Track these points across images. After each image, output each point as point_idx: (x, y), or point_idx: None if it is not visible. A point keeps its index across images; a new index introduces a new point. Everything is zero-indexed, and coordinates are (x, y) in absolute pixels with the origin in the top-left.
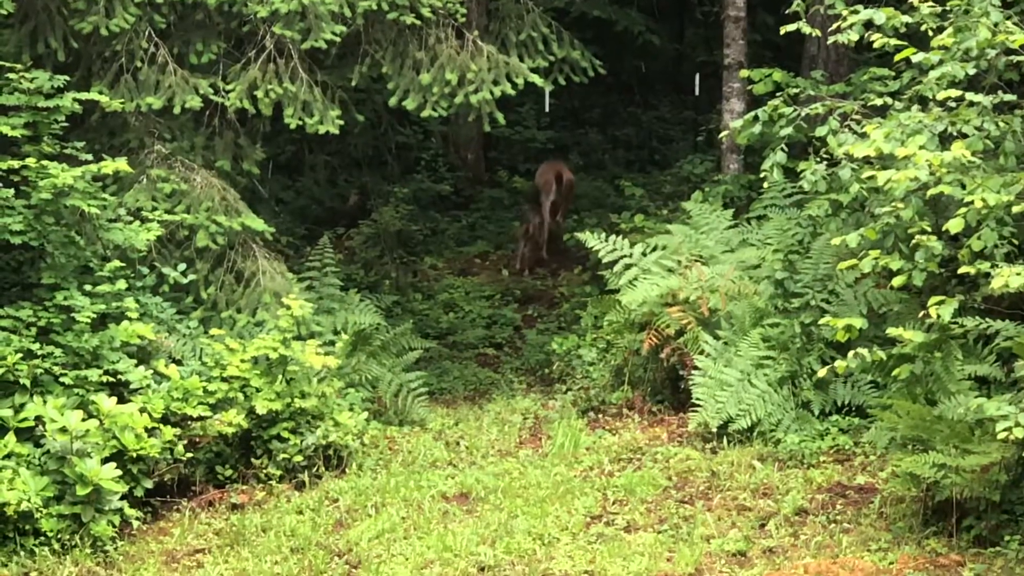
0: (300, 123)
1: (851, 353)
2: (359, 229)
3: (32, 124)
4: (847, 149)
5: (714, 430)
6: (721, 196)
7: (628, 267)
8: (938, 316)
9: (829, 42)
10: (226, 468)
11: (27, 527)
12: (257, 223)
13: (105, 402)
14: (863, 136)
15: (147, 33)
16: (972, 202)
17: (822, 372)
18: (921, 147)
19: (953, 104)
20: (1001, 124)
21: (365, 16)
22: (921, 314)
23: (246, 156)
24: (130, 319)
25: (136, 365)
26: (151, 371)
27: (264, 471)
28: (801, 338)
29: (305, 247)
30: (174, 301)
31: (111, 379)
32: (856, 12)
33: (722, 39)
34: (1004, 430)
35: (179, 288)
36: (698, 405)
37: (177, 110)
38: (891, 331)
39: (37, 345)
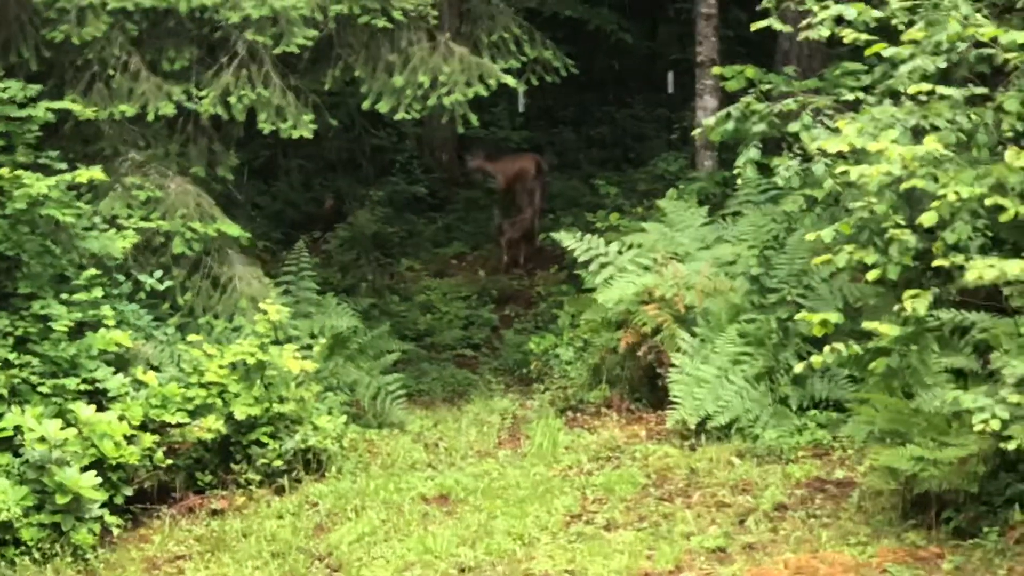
0: (274, 128)
1: (827, 348)
2: (335, 232)
3: (5, 134)
4: (820, 144)
5: (692, 427)
6: (696, 193)
7: (604, 266)
8: (913, 309)
9: (800, 38)
10: (206, 474)
11: (7, 537)
12: (233, 228)
13: (83, 410)
14: (836, 131)
15: (119, 41)
16: (945, 195)
17: (799, 367)
18: (893, 141)
19: (925, 98)
20: (973, 117)
21: (337, 20)
22: (896, 307)
23: (220, 162)
24: (107, 327)
25: (114, 373)
26: (129, 378)
27: (244, 476)
28: (777, 333)
29: (281, 251)
30: (151, 308)
31: (89, 387)
32: (827, 7)
33: (694, 36)
34: (981, 422)
35: (156, 295)
36: (676, 402)
37: (151, 117)
38: (867, 325)
39: (14, 355)
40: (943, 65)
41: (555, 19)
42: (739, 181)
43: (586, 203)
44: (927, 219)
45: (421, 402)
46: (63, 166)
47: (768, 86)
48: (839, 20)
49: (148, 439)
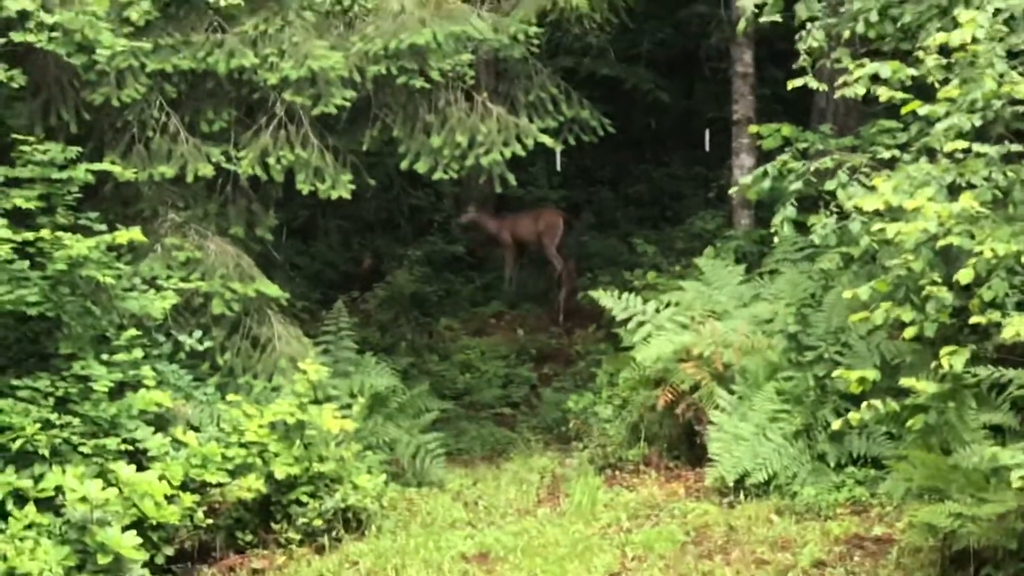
0: (312, 188)
1: (865, 404)
2: (374, 292)
3: (46, 196)
4: (857, 202)
5: (731, 484)
6: (733, 251)
7: (642, 324)
8: (950, 366)
9: (836, 96)
10: (246, 533)
11: None
12: (272, 289)
13: (124, 470)
14: (872, 189)
15: (158, 103)
16: (981, 252)
17: (837, 424)
18: (930, 199)
19: (961, 155)
20: (1009, 174)
21: (375, 81)
22: (934, 364)
23: (259, 222)
24: (147, 387)
25: (154, 433)
26: (169, 438)
27: (284, 535)
28: (815, 391)
29: (320, 311)
30: (191, 368)
31: (129, 447)
32: (862, 66)
33: (731, 95)
34: (1020, 478)
35: (196, 355)
36: (714, 460)
37: (190, 178)
38: (904, 382)
39: (55, 415)
40: (979, 123)
41: (592, 79)
42: (776, 239)
43: (624, 261)
44: (964, 276)
45: (460, 460)
46: (103, 227)
47: (804, 144)
48: (875, 78)
49: (188, 499)
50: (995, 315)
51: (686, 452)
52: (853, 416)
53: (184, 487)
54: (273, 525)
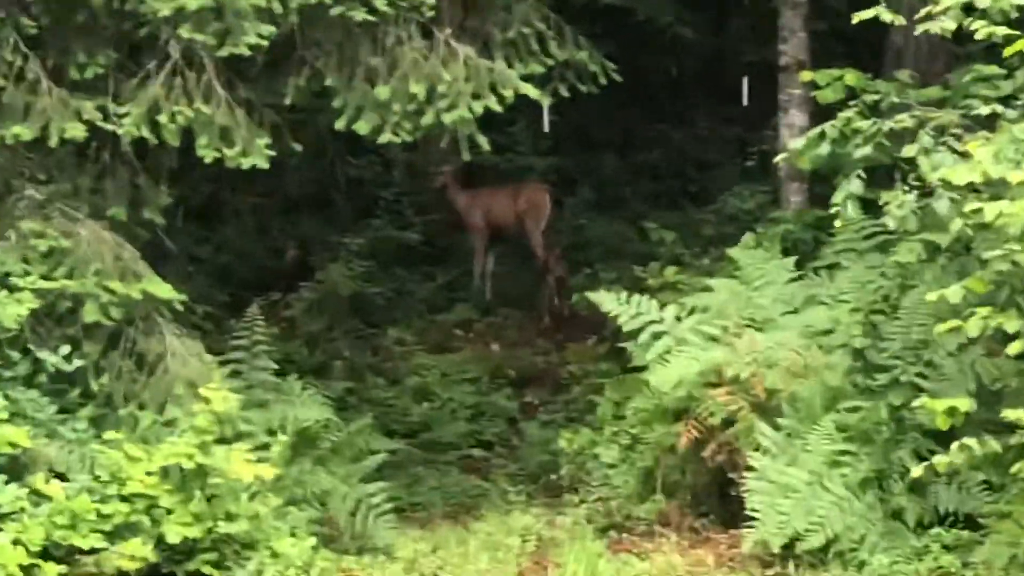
0: (218, 155)
1: (956, 445)
2: (299, 294)
3: None
4: (945, 174)
5: (777, 551)
6: (780, 239)
7: (658, 336)
8: None
9: (918, 32)
10: None
11: None
12: (163, 289)
13: None
14: (965, 156)
15: (12, 42)
16: None
17: (918, 471)
18: None
19: None
20: None
21: (300, 12)
22: None
23: (147, 201)
24: None
25: (7, 482)
26: (26, 490)
27: None
28: (889, 426)
29: (229, 319)
30: (55, 395)
31: None
32: None
33: (777, 31)
34: None
35: (62, 378)
36: (755, 518)
37: (54, 142)
38: (1008, 414)
39: None
40: None
41: (591, 9)
42: (837, 223)
43: (633, 253)
44: None
45: (415, 519)
46: None
47: (875, 96)
48: (968, 9)
49: (52, 570)
50: None
51: (717, 508)
52: (940, 461)
53: (46, 554)
54: None
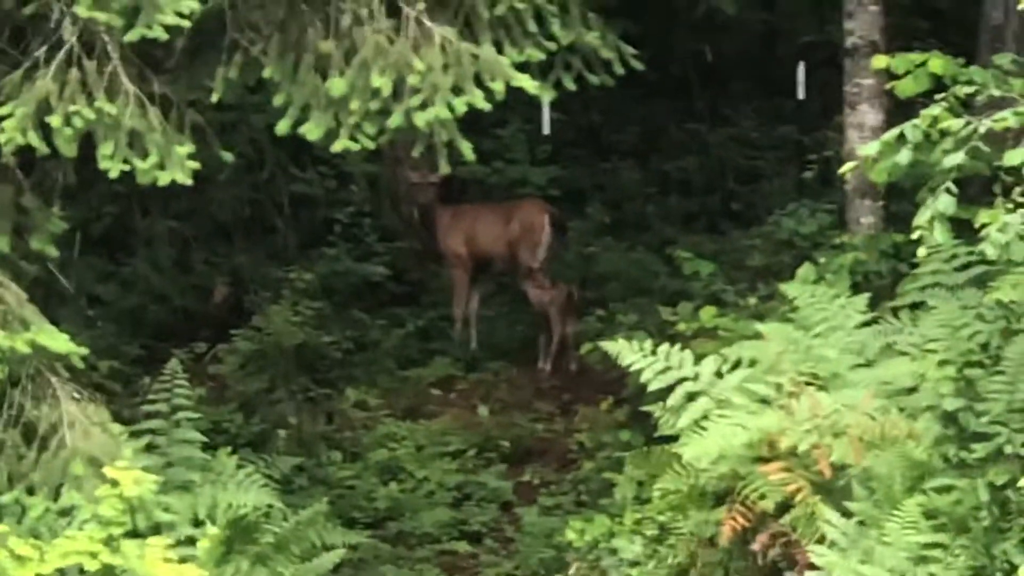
0: (126, 168)
1: None
2: (232, 344)
3: None
4: None
5: None
6: (847, 271)
7: (692, 397)
8: None
9: (1022, 6)
10: None
11: None
12: (58, 340)
13: None
14: None
15: None
16: None
17: None
18: None
19: None
20: None
21: None
22: None
23: (36, 227)
24: None
25: None
26: None
27: None
28: (991, 510)
29: (141, 378)
30: None
31: None
32: None
33: (841, 4)
34: None
35: None
36: None
37: None
38: None
39: None
40: None
41: None
42: (920, 250)
43: (659, 289)
44: None
45: None
46: None
47: (969, 88)
48: None
49: None
50: None
51: None
52: None
53: None
54: None
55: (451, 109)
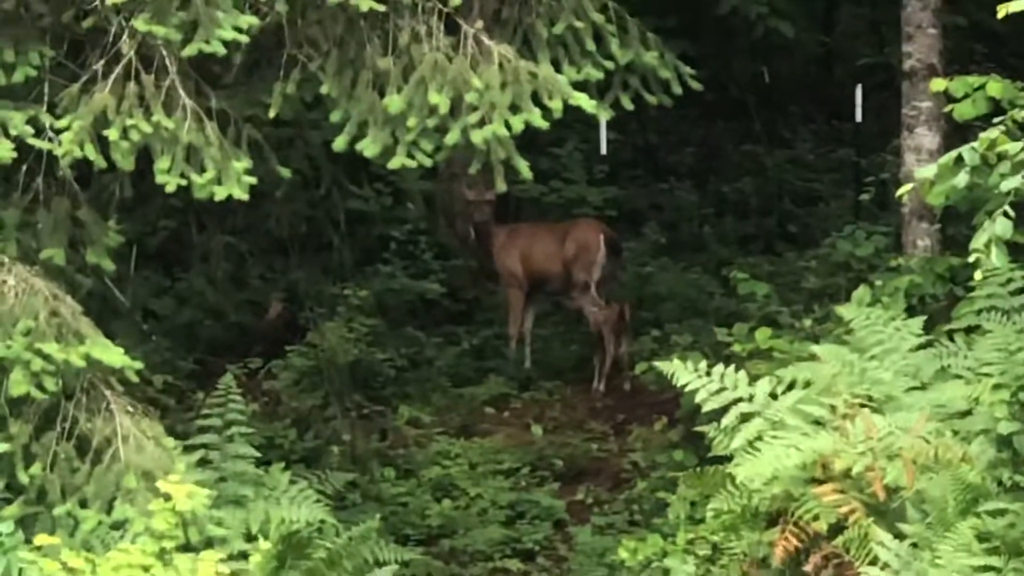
0: (183, 183)
1: None
2: (286, 360)
3: None
4: None
5: None
6: (904, 294)
7: (746, 418)
8: None
9: None
10: None
11: None
12: (113, 354)
13: None
14: None
15: None
16: None
17: None
18: None
19: None
20: None
21: (289, 0)
22: None
23: (92, 240)
24: None
25: None
26: None
27: None
28: None
29: (195, 392)
30: None
31: None
32: None
33: (900, 28)
34: None
35: None
36: None
37: None
38: None
39: None
40: None
41: None
42: (977, 274)
43: (715, 310)
44: None
45: None
46: None
47: None
48: None
49: None
50: None
51: None
52: None
53: None
54: None
55: (508, 127)
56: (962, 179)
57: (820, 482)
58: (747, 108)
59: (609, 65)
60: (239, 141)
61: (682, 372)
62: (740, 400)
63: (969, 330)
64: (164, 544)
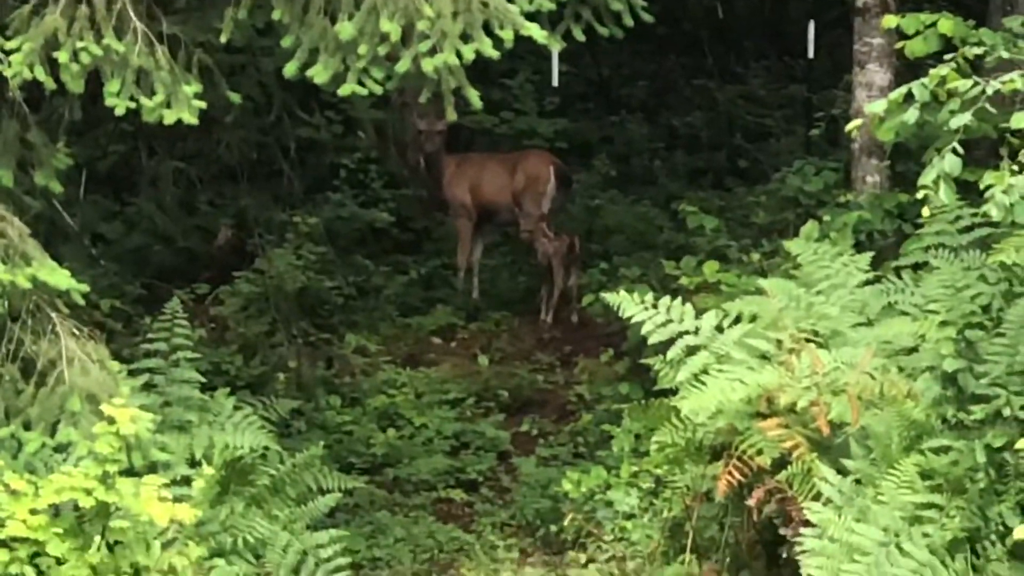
0: (133, 106)
1: None
2: (234, 286)
3: None
4: None
5: None
6: (852, 230)
7: (692, 351)
8: None
9: None
10: None
11: None
12: (60, 277)
13: None
14: None
15: None
16: None
17: (1021, 531)
18: None
19: None
20: None
21: None
22: None
23: (41, 162)
24: None
25: None
26: None
27: None
28: (987, 472)
29: (142, 317)
30: None
31: None
32: None
33: None
34: None
35: None
36: None
37: None
38: None
39: None
40: None
41: None
42: (925, 210)
43: (664, 243)
44: None
45: None
46: None
47: (978, 50)
48: None
49: None
50: None
51: (763, 572)
52: None
53: None
54: None
55: (459, 56)
56: (912, 115)
57: (764, 416)
58: (700, 43)
59: None
60: (189, 66)
61: (629, 304)
62: (686, 333)
63: (916, 267)
64: (107, 468)
